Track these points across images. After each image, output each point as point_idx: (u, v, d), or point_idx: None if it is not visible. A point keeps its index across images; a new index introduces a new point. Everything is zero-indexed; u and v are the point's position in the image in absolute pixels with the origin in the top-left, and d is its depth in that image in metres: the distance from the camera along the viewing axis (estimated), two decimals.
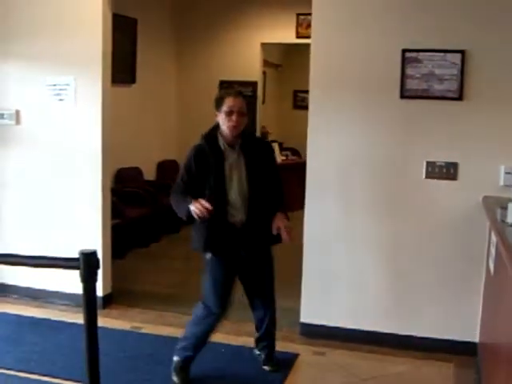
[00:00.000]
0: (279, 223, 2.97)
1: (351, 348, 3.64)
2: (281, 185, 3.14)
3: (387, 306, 3.68)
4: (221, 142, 2.96)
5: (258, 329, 3.35)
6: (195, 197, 2.87)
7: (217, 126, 2.99)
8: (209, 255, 3.04)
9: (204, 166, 2.93)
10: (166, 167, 7.30)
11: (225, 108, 2.91)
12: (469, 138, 3.45)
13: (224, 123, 2.92)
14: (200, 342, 3.13)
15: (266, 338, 3.33)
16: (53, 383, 3.14)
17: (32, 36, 4.17)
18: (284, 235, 2.97)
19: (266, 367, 3.33)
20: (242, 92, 3.10)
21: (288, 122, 9.73)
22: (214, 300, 3.05)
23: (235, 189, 2.95)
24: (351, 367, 3.41)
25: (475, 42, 3.38)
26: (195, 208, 2.79)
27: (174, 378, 3.15)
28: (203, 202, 2.80)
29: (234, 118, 2.89)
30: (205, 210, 2.77)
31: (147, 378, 3.21)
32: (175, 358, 3.17)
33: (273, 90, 9.64)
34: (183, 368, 3.16)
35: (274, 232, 2.98)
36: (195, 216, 2.81)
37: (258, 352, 3.41)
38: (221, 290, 3.06)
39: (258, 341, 3.39)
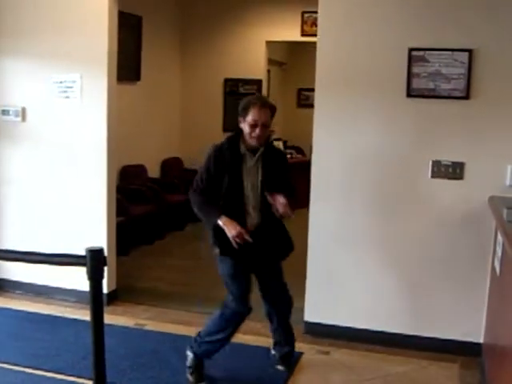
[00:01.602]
0: (278, 196, 2.86)
1: (355, 347, 3.63)
2: (294, 189, 3.07)
3: (392, 305, 3.67)
4: (242, 147, 2.95)
5: (270, 325, 3.32)
6: (213, 197, 2.90)
7: (239, 130, 2.97)
8: (217, 251, 3.01)
9: (222, 166, 2.92)
10: (170, 165, 7.31)
11: (249, 119, 2.88)
12: (475, 138, 3.44)
13: (247, 133, 2.91)
14: (221, 340, 3.08)
15: (277, 332, 3.29)
16: (59, 379, 3.15)
17: (38, 33, 4.18)
18: (279, 206, 2.86)
19: (278, 366, 3.30)
20: (268, 102, 2.99)
21: (292, 121, 9.72)
22: (233, 297, 3.02)
23: (250, 194, 2.95)
24: (355, 366, 3.41)
25: (483, 41, 3.36)
26: (234, 237, 2.82)
27: (189, 377, 3.13)
28: (237, 228, 2.82)
29: (257, 130, 2.87)
30: (241, 236, 2.81)
31: (151, 375, 3.21)
32: (190, 354, 3.15)
33: (277, 89, 9.62)
34: (198, 365, 3.13)
35: (270, 201, 2.89)
36: (234, 243, 2.84)
37: (272, 352, 3.37)
38: (237, 286, 3.02)
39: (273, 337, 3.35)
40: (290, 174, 3.14)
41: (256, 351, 3.52)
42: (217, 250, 2.99)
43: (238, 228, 2.83)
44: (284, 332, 3.30)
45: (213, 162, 2.93)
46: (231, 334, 3.09)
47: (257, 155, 2.96)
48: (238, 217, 2.91)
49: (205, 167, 2.96)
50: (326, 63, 3.65)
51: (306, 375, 3.35)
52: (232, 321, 3.05)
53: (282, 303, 3.21)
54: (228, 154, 2.93)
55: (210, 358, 3.16)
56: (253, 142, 2.93)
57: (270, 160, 3.00)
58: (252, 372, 3.30)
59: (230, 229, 2.83)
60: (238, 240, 2.83)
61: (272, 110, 2.95)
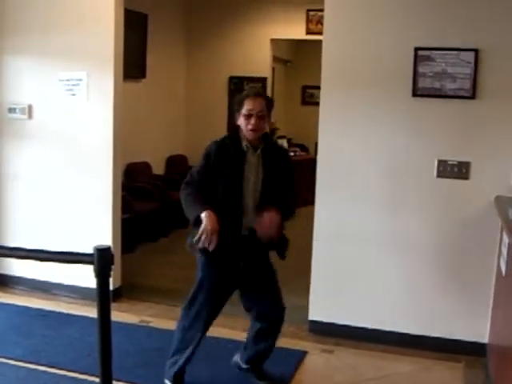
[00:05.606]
0: (267, 214, 2.71)
1: (360, 347, 3.64)
2: (292, 195, 2.93)
3: (396, 304, 3.68)
4: (243, 143, 2.83)
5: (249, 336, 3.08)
6: (207, 194, 2.76)
7: (238, 127, 2.87)
8: (199, 254, 2.83)
9: (223, 162, 2.79)
10: (175, 162, 7.32)
11: (243, 111, 2.78)
12: (481, 137, 3.44)
13: (243, 126, 2.80)
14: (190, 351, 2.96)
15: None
16: (63, 375, 3.16)
17: (45, 31, 4.19)
18: (259, 226, 2.73)
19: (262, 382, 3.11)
20: (261, 92, 2.90)
21: (296, 118, 9.72)
22: (199, 309, 2.88)
23: (249, 193, 2.82)
24: (360, 366, 3.41)
25: (489, 41, 3.36)
26: (207, 230, 2.63)
27: None
28: (215, 225, 2.62)
29: (252, 121, 2.76)
30: (212, 234, 2.63)
31: (156, 373, 3.21)
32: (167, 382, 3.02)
33: (281, 86, 9.62)
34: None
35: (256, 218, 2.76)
36: (201, 238, 2.64)
37: (244, 365, 3.14)
38: (210, 297, 2.87)
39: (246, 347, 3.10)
40: (294, 175, 2.98)
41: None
42: (199, 253, 2.80)
43: (216, 226, 2.63)
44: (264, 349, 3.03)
45: (214, 154, 2.79)
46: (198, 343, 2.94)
47: (257, 152, 2.84)
48: (235, 216, 2.77)
49: (204, 160, 2.81)
50: (331, 62, 3.65)
51: (309, 374, 3.36)
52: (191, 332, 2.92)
53: (274, 315, 2.96)
54: (230, 149, 2.82)
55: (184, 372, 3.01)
56: (250, 136, 2.80)
57: (271, 158, 2.87)
58: None
59: (209, 222, 2.62)
60: (204, 236, 2.62)
61: (267, 100, 2.85)
